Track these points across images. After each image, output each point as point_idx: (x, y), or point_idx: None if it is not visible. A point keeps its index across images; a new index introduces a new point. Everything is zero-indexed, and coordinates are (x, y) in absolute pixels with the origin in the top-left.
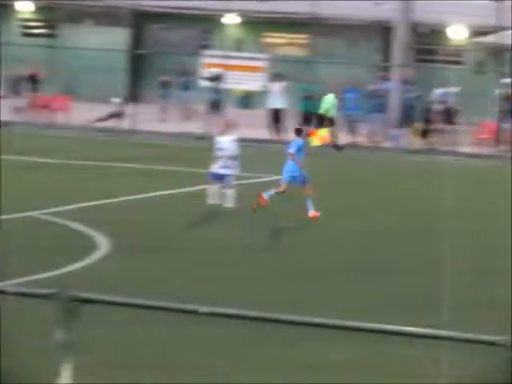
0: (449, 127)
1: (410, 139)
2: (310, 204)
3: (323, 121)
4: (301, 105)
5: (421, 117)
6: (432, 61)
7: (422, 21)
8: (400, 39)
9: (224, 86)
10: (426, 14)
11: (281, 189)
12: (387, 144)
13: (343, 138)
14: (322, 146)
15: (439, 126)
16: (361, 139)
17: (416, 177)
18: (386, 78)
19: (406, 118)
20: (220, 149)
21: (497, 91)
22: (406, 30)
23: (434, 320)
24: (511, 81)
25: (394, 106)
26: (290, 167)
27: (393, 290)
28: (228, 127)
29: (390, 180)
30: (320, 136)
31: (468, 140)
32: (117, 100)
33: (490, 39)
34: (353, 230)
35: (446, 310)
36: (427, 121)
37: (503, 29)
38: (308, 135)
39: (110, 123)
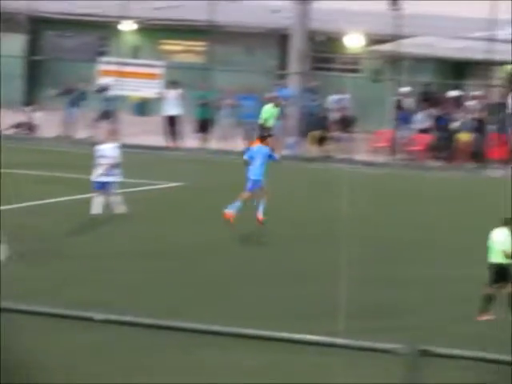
0: (345, 135)
1: (307, 147)
2: (237, 206)
3: (263, 131)
4: (197, 112)
5: (318, 125)
6: (329, 69)
7: (319, 29)
8: (297, 47)
9: (113, 94)
10: (323, 22)
11: (263, 194)
12: (284, 152)
13: (240, 145)
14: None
15: (336, 133)
16: None
17: (312, 185)
18: (283, 86)
19: (304, 126)
20: (102, 156)
21: (393, 99)
22: (302, 37)
23: (332, 328)
24: (408, 90)
25: (292, 113)
26: (252, 173)
27: (292, 297)
28: (110, 135)
29: (287, 188)
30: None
31: (364, 148)
32: (28, 108)
33: (386, 47)
34: (251, 239)
35: (344, 317)
36: (324, 129)
37: (400, 37)
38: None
39: (16, 130)
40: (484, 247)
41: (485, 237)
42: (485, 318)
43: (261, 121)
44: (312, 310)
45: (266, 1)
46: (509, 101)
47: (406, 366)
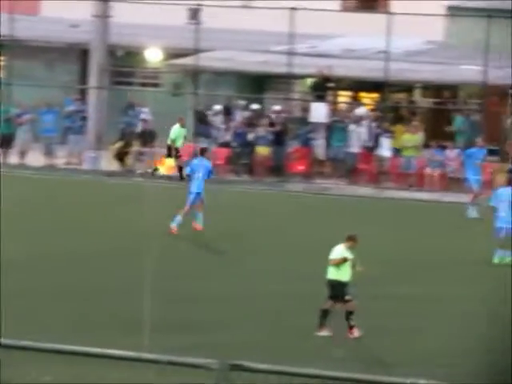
0: (147, 149)
1: (108, 161)
2: (200, 218)
3: (170, 151)
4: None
5: (119, 138)
6: (129, 83)
7: (119, 43)
8: (97, 61)
9: None
10: (122, 36)
11: (201, 206)
12: (85, 166)
13: (40, 160)
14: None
15: (137, 147)
16: (58, 161)
17: (113, 200)
18: (82, 100)
19: (105, 140)
20: None
21: (199, 114)
22: (102, 52)
23: (137, 342)
24: (220, 108)
25: (92, 127)
26: (195, 186)
27: (96, 312)
28: None
29: (88, 203)
30: (167, 166)
31: None
32: None
33: (187, 61)
34: (53, 253)
35: (151, 332)
36: (125, 142)
37: (200, 51)
38: (155, 164)
39: None
40: (289, 262)
41: (288, 252)
42: (322, 332)
43: (169, 142)
44: (116, 324)
45: (65, 15)
46: (309, 114)
47: (217, 381)
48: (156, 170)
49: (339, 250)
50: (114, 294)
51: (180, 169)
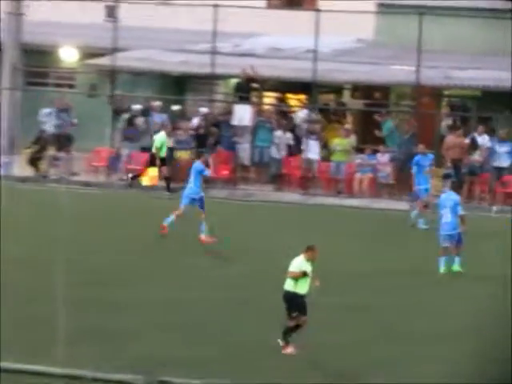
0: (62, 154)
1: (21, 166)
2: (203, 228)
3: (154, 160)
4: None
5: (33, 142)
6: (43, 84)
7: (33, 42)
8: (9, 61)
9: None
10: (36, 34)
11: (178, 212)
12: None
13: None
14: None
15: (52, 152)
16: None
17: (27, 206)
18: None
19: (19, 144)
20: None
21: (126, 116)
22: (15, 51)
23: (50, 355)
24: (140, 107)
25: (5, 131)
26: (189, 190)
27: (6, 323)
28: None
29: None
30: (150, 176)
31: (82, 167)
32: None
33: (103, 61)
34: None
35: (62, 345)
36: (40, 147)
37: (118, 50)
38: (139, 175)
39: None
40: (214, 269)
41: (212, 259)
42: (288, 350)
43: (154, 149)
44: (27, 336)
45: None
46: (233, 116)
47: None
48: (134, 178)
49: (298, 263)
50: (25, 303)
51: (168, 179)
